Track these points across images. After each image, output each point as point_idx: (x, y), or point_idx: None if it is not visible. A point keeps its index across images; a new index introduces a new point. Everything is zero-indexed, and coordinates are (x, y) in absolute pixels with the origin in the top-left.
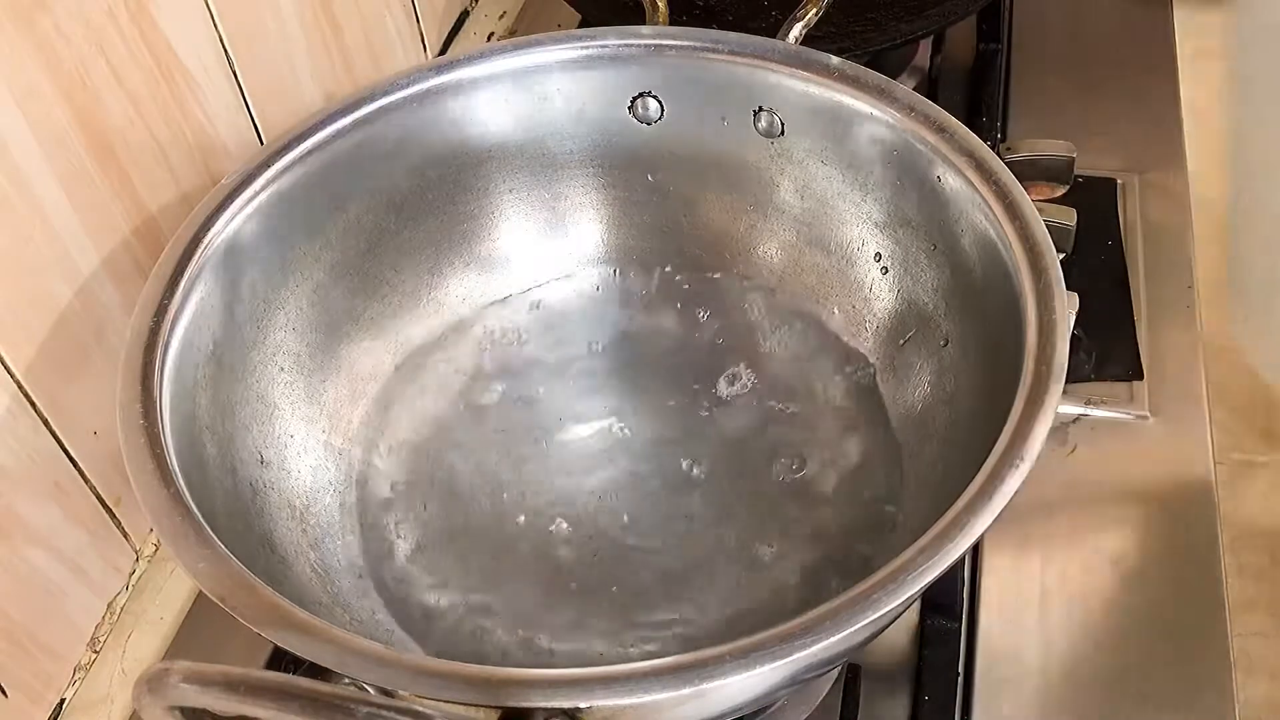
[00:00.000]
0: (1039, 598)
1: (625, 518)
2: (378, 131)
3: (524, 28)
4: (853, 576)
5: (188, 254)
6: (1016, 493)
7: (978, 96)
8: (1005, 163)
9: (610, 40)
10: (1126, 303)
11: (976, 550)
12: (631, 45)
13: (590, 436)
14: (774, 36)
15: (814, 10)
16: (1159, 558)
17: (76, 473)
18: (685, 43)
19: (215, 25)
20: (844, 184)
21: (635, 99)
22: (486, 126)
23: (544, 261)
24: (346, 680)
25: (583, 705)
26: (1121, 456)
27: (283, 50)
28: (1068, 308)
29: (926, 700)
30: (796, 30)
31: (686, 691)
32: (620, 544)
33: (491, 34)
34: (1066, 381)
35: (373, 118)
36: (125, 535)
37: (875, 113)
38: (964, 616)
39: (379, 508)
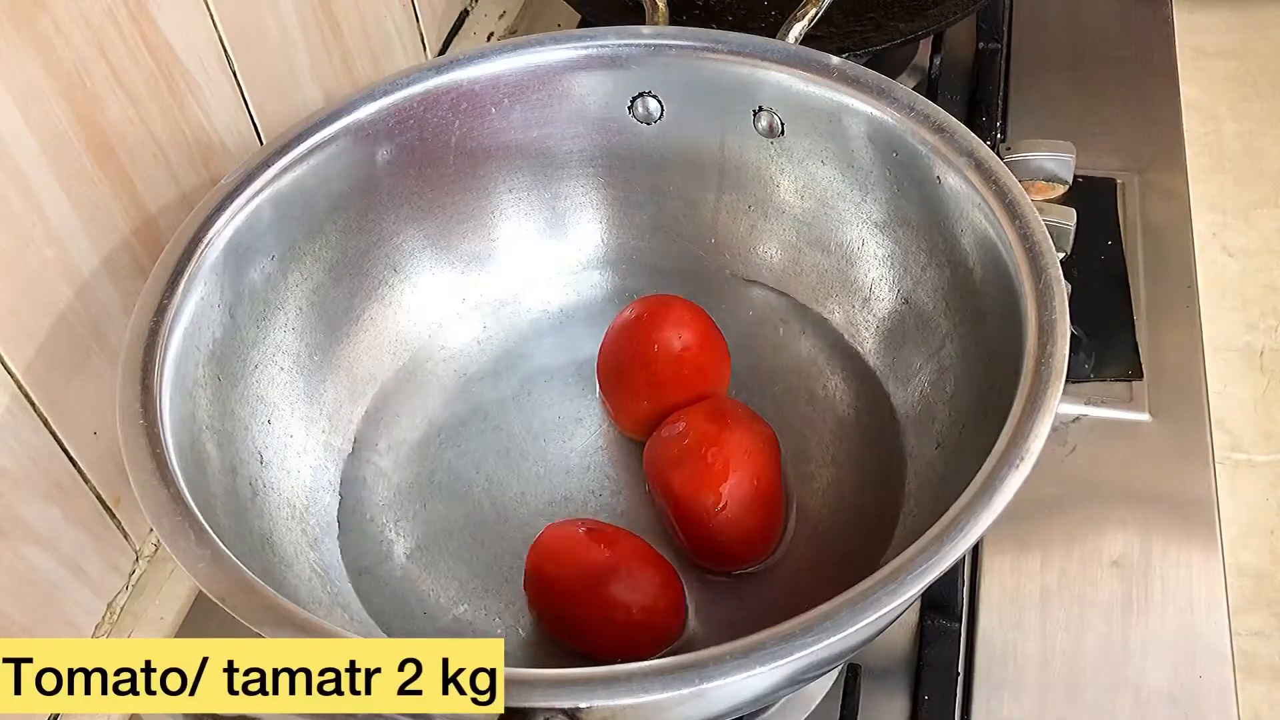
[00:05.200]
0: (1039, 598)
1: (625, 517)
2: (378, 131)
3: (524, 28)
4: (853, 576)
5: (188, 254)
6: (1016, 493)
7: (978, 96)
8: (1005, 163)
9: (610, 40)
10: (1126, 303)
11: (976, 550)
12: (631, 45)
13: (590, 436)
14: (774, 36)
15: (814, 10)
16: (1159, 558)
17: (76, 473)
18: (685, 43)
19: (215, 25)
20: (844, 184)
21: (635, 99)
22: (486, 126)
23: (544, 261)
24: None
25: (583, 705)
26: (1121, 456)
27: (283, 50)
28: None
29: (926, 700)
30: (796, 30)
31: (686, 691)
32: None
33: (491, 34)
34: (1066, 381)
35: (373, 118)
36: (125, 535)
37: (875, 113)
38: (964, 616)
39: (379, 507)
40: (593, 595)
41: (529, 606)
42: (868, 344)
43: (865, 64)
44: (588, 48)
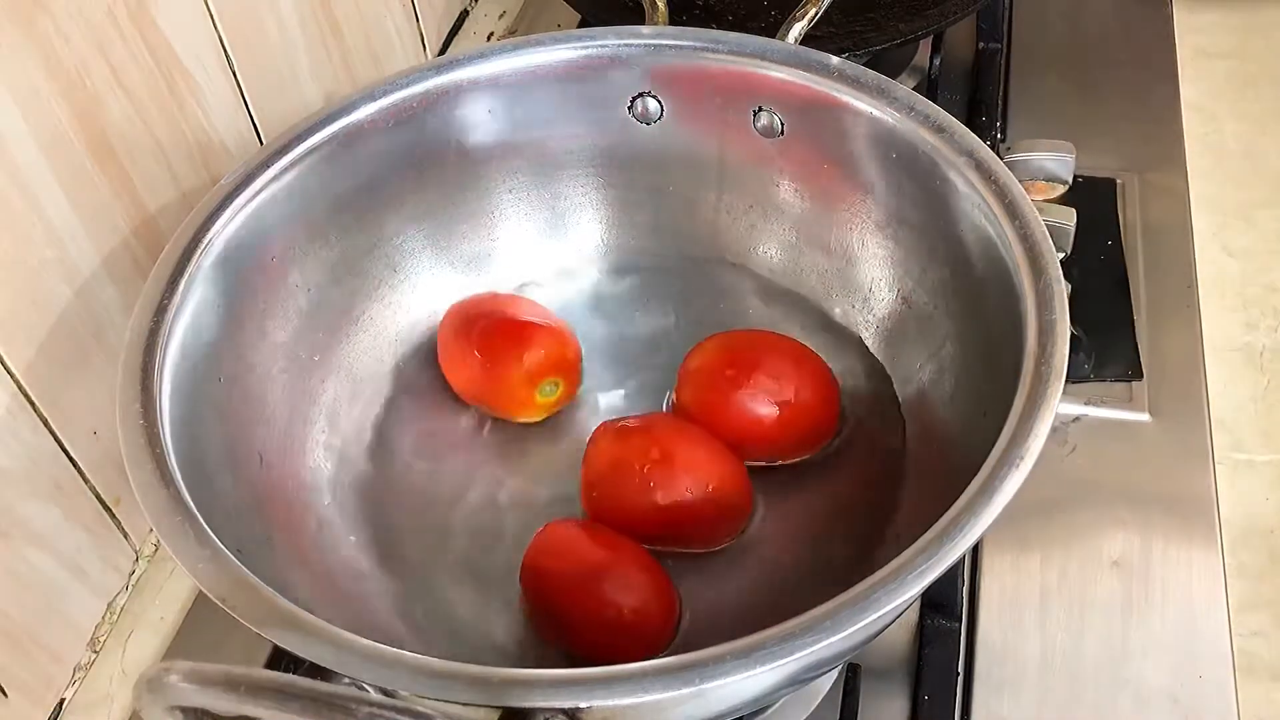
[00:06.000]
0: (1039, 598)
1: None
2: (378, 131)
3: (524, 28)
4: (853, 577)
5: (188, 254)
6: (1016, 493)
7: (978, 96)
8: (1005, 163)
9: (610, 40)
10: (1126, 303)
11: (976, 550)
12: (631, 45)
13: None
14: (774, 36)
15: (814, 10)
16: (1159, 558)
17: (76, 473)
18: (685, 43)
19: (215, 25)
20: (844, 184)
21: (635, 99)
22: (486, 126)
23: (543, 261)
24: (346, 680)
25: (583, 705)
26: (1121, 456)
27: (283, 50)
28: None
29: (926, 700)
30: (796, 30)
31: (686, 691)
32: None
33: (491, 34)
34: (1066, 381)
35: (373, 118)
36: (125, 535)
37: (875, 113)
38: (964, 616)
39: (379, 508)
40: (585, 592)
41: (521, 603)
42: (867, 344)
43: (865, 64)
44: (588, 48)
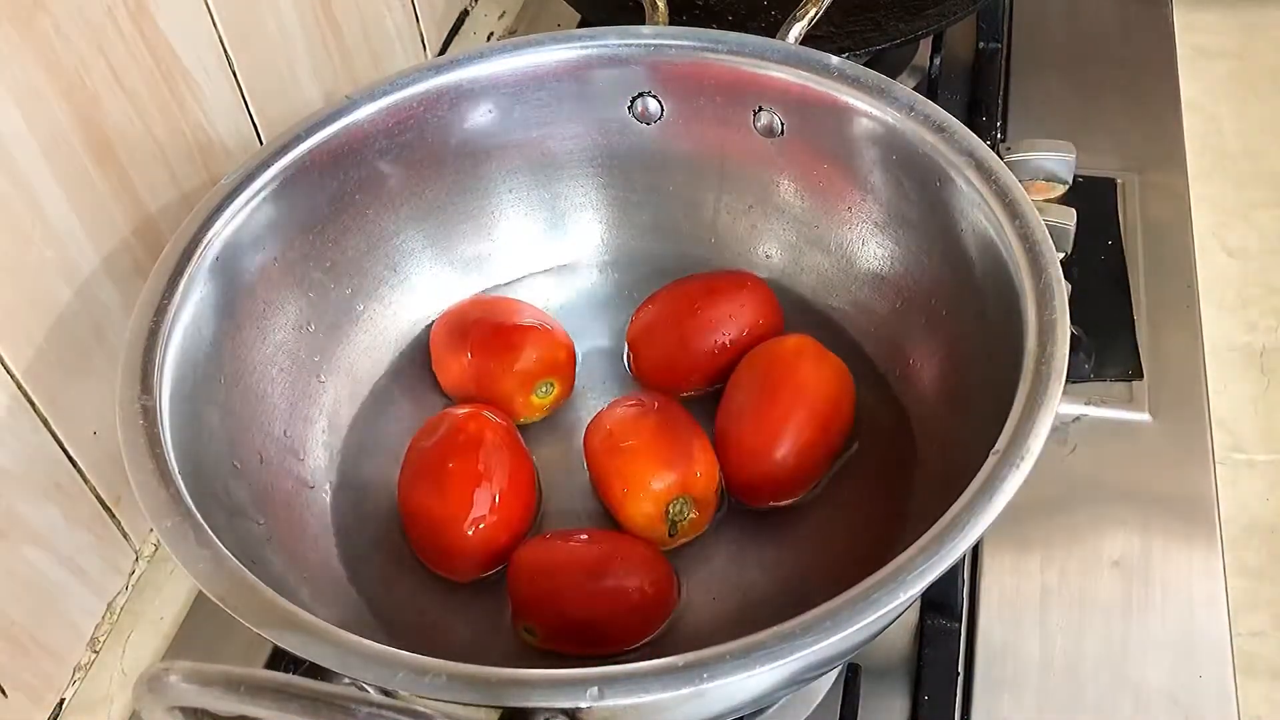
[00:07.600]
0: (1039, 598)
1: None
2: (377, 131)
3: (524, 28)
4: (854, 578)
5: (187, 254)
6: (1016, 493)
7: (978, 96)
8: (1005, 163)
9: (610, 40)
10: (1126, 303)
11: (976, 550)
12: (631, 45)
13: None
14: (774, 36)
15: (814, 10)
16: (1159, 558)
17: (76, 473)
18: (685, 42)
19: (215, 25)
20: (844, 184)
21: (635, 99)
22: (486, 126)
23: (543, 261)
24: (346, 680)
25: (583, 705)
26: (1121, 456)
27: (283, 50)
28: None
29: (926, 700)
30: (796, 30)
31: (686, 691)
32: None
33: (491, 34)
34: (1066, 381)
35: (373, 118)
36: (125, 535)
37: (875, 113)
38: (964, 616)
39: (378, 508)
40: (595, 590)
41: (522, 625)
42: (867, 344)
43: (865, 64)
44: (588, 48)
